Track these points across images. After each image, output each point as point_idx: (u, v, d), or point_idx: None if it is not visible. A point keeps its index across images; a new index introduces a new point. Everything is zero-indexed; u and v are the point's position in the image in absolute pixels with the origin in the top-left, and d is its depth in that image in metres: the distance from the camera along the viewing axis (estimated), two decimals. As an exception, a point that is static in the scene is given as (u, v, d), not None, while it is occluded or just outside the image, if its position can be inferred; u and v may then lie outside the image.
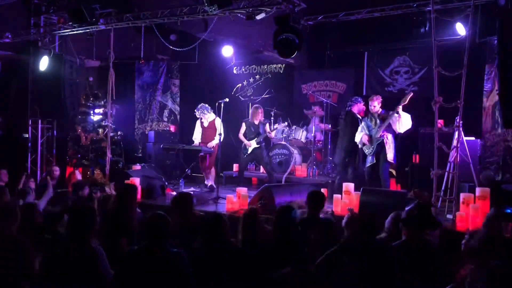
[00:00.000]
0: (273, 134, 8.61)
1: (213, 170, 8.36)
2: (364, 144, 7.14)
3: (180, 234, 3.99)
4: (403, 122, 6.78)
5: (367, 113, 7.40)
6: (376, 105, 7.09)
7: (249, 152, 8.20)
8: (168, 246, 3.23)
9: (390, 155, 6.92)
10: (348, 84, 9.90)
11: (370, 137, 7.05)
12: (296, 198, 5.73)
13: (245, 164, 8.56)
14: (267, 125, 8.36)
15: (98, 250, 3.31)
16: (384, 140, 6.94)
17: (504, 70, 5.43)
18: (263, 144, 8.25)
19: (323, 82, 10.28)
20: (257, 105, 8.58)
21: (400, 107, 6.74)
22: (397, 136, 7.08)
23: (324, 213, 4.69)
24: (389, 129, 6.96)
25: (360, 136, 7.20)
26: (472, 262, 3.13)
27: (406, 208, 3.66)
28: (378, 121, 7.03)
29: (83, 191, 6.07)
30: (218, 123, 7.96)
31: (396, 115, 6.77)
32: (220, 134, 7.65)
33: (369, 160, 7.12)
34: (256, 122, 8.18)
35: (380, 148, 6.99)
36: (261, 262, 3.48)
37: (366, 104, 7.48)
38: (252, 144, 8.13)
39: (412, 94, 6.81)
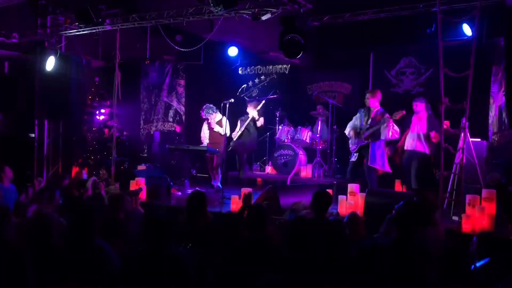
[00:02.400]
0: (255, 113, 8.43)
1: (219, 170, 8.37)
2: (349, 138, 7.24)
3: (192, 233, 4.01)
4: (392, 132, 6.81)
5: (363, 105, 7.35)
6: (369, 98, 7.09)
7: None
8: (170, 247, 3.23)
9: (376, 160, 6.91)
10: (353, 85, 9.87)
11: (357, 133, 7.08)
12: (301, 199, 5.72)
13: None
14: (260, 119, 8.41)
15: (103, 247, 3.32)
16: (371, 145, 6.93)
17: (511, 71, 5.41)
18: (253, 134, 8.42)
19: (328, 83, 10.26)
20: (252, 101, 8.75)
21: (392, 121, 6.76)
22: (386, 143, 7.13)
23: (328, 214, 4.67)
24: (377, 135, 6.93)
25: (349, 128, 7.27)
26: None
27: (396, 206, 3.62)
28: (370, 119, 7.00)
29: (85, 188, 6.02)
30: (225, 122, 7.99)
31: (385, 124, 6.77)
32: (225, 134, 7.66)
33: (353, 156, 7.19)
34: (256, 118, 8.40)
35: (365, 150, 6.99)
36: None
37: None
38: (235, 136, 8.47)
39: (404, 112, 6.77)
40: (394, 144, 7.32)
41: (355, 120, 7.22)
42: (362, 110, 7.22)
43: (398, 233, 3.43)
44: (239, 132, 8.52)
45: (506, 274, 2.86)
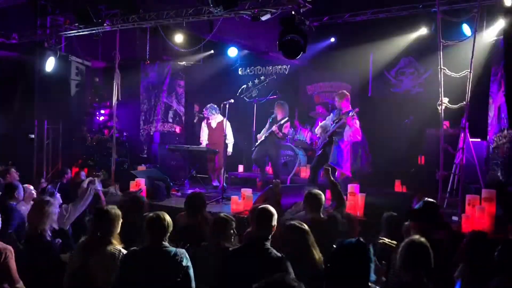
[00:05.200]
0: (279, 129, 7.91)
1: (223, 170, 8.32)
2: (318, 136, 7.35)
3: (190, 234, 4.00)
4: (352, 134, 6.72)
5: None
6: (337, 100, 7.08)
7: (256, 144, 8.12)
8: (169, 246, 3.23)
9: (336, 159, 6.83)
10: (353, 85, 9.87)
11: (324, 130, 7.11)
12: (301, 199, 5.71)
13: (256, 161, 8.33)
14: (284, 122, 7.96)
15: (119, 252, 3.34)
16: (333, 144, 6.88)
17: (510, 71, 5.41)
18: (276, 140, 8.00)
19: (328, 83, 10.27)
20: (280, 101, 8.33)
21: (349, 119, 6.67)
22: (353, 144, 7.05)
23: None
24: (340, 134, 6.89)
25: (319, 127, 7.30)
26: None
27: (415, 207, 3.61)
28: (338, 119, 7.01)
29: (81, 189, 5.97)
30: (227, 124, 7.96)
31: (348, 125, 6.71)
32: (225, 136, 7.67)
33: (318, 151, 7.28)
34: (279, 118, 8.04)
35: (328, 148, 6.95)
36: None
37: None
38: (262, 138, 8.08)
39: (357, 110, 6.74)
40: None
41: (327, 120, 7.28)
42: (336, 111, 7.27)
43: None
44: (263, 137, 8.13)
45: (498, 274, 2.87)
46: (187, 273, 3.18)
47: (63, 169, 7.85)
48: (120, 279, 3.18)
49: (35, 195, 5.37)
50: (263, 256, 3.19)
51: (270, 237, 3.33)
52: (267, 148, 8.10)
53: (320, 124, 7.39)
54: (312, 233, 3.94)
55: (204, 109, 8.48)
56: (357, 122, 6.76)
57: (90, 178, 6.11)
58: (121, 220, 3.56)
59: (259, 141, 8.16)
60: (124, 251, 3.39)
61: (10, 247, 3.50)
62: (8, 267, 3.40)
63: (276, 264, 3.12)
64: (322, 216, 4.26)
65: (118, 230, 3.52)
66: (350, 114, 6.66)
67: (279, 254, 3.20)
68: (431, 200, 3.76)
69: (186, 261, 3.20)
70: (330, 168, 5.16)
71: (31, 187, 5.41)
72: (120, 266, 3.25)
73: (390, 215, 4.09)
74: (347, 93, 7.17)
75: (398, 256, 2.94)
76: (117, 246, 3.42)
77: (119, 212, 3.59)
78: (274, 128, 7.90)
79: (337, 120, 6.97)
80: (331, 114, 7.32)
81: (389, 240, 3.56)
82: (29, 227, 4.04)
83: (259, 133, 8.30)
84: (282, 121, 7.93)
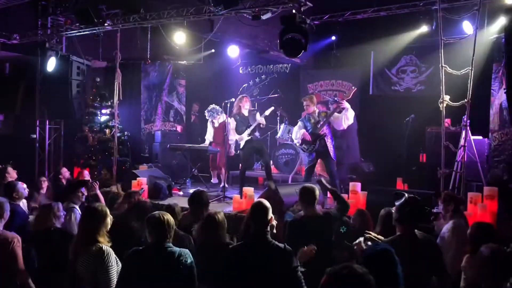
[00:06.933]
0: (263, 120, 7.60)
1: (223, 169, 8.30)
2: (304, 141, 6.99)
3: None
4: (349, 117, 6.78)
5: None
6: (310, 105, 7.02)
7: (241, 146, 7.66)
8: (172, 245, 3.24)
9: (331, 153, 6.91)
10: (354, 84, 9.85)
11: (311, 134, 6.95)
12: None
13: (245, 162, 7.72)
14: (257, 114, 7.63)
15: (106, 250, 3.32)
16: (326, 139, 6.88)
17: (512, 69, 5.40)
18: (258, 136, 7.73)
19: (329, 82, 10.27)
20: (242, 94, 7.97)
21: (345, 102, 6.69)
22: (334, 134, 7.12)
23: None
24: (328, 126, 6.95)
25: (300, 132, 7.03)
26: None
27: (397, 204, 3.55)
28: (318, 119, 6.95)
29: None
30: (229, 124, 7.92)
31: (340, 113, 6.71)
32: (225, 134, 7.65)
33: (309, 159, 7.08)
34: (246, 114, 7.65)
35: (323, 147, 6.88)
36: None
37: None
38: (244, 137, 7.57)
39: (355, 89, 6.80)
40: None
41: (299, 130, 7.08)
42: (305, 118, 7.15)
43: (403, 231, 3.41)
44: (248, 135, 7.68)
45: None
46: (191, 273, 3.18)
47: (56, 170, 7.83)
48: (122, 279, 3.18)
49: (26, 193, 5.36)
50: (267, 248, 3.20)
51: (268, 230, 3.31)
52: (250, 149, 7.67)
53: (298, 132, 7.06)
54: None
55: (205, 112, 8.49)
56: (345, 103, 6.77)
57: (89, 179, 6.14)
58: (108, 218, 3.50)
59: (242, 144, 7.63)
60: (111, 250, 3.36)
61: (18, 236, 3.73)
62: (15, 254, 3.66)
63: (281, 254, 3.14)
64: (317, 211, 4.23)
65: (107, 228, 3.47)
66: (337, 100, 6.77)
67: (281, 245, 3.20)
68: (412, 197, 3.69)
69: (190, 261, 3.20)
70: (322, 179, 5.14)
71: (24, 185, 5.35)
72: (122, 266, 3.25)
73: (388, 211, 4.07)
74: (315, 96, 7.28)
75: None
76: (104, 244, 3.36)
77: (106, 209, 3.56)
78: (261, 122, 7.54)
79: (321, 118, 6.93)
80: (300, 123, 7.13)
81: (375, 235, 3.53)
82: None
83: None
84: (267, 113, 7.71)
